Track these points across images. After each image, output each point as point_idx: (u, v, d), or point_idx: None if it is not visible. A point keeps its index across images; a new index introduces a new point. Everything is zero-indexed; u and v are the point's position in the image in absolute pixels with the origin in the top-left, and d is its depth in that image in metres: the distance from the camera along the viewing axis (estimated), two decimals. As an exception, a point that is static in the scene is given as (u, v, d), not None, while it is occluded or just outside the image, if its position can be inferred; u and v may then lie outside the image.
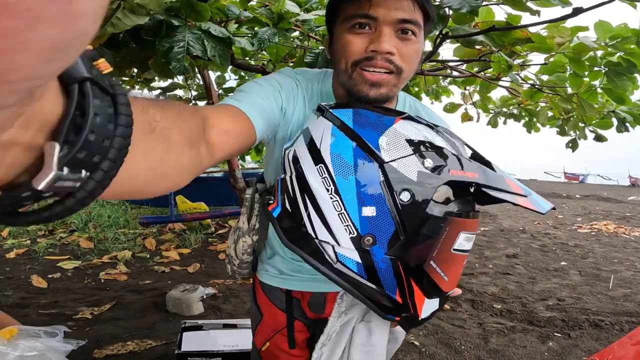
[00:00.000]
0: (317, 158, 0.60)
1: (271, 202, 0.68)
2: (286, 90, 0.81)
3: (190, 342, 1.75)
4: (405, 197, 0.57)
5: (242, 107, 0.69)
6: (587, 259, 4.51)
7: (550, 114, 3.00)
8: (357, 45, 0.72)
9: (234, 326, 1.91)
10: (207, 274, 3.51)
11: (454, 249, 0.60)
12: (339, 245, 0.60)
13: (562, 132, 3.00)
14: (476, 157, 0.64)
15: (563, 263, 4.27)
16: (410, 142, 0.59)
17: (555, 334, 2.47)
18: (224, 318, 2.55)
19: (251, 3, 1.80)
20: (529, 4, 1.35)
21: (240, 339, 1.78)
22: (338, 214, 0.58)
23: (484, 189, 0.58)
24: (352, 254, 0.60)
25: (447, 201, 0.60)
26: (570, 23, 1.81)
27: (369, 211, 0.58)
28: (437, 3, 1.33)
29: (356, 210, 0.58)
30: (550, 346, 2.30)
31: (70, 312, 2.59)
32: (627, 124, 2.52)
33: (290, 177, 0.64)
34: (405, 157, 0.57)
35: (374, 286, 0.61)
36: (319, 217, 0.60)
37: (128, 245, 4.38)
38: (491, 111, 3.36)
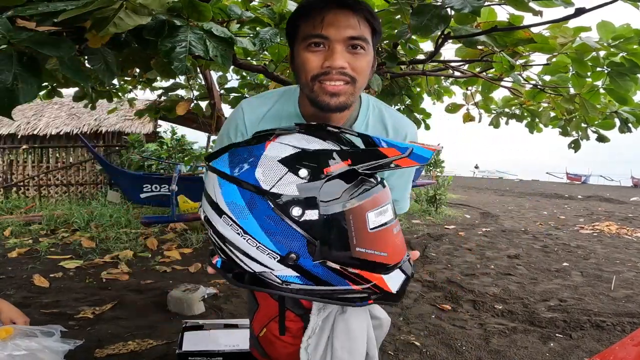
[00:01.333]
0: (219, 211, 0.67)
1: (212, 255, 0.76)
2: None
3: (191, 341, 1.75)
4: (296, 212, 0.62)
5: None
6: (589, 259, 4.49)
7: (552, 114, 3.00)
8: (314, 62, 0.80)
9: (235, 326, 1.91)
10: (209, 273, 3.51)
11: (370, 229, 0.64)
12: (273, 270, 0.66)
13: (565, 133, 3.00)
14: (362, 137, 0.68)
15: (565, 264, 4.26)
16: (283, 161, 0.64)
17: (556, 334, 2.46)
18: (225, 318, 2.55)
19: (253, 3, 1.80)
20: (531, 4, 1.35)
21: (241, 338, 1.78)
22: (256, 248, 0.64)
23: (359, 170, 0.63)
24: (288, 272, 0.65)
25: (339, 195, 0.63)
26: (572, 23, 1.81)
27: (276, 236, 0.63)
28: (438, 3, 1.33)
29: (267, 239, 0.64)
30: (552, 347, 2.30)
31: (72, 312, 2.60)
32: (630, 125, 2.52)
33: (211, 233, 0.71)
34: (281, 178, 0.62)
35: (327, 288, 0.66)
36: (245, 256, 0.66)
37: (130, 245, 4.39)
38: (493, 111, 3.36)
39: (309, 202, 0.62)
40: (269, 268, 0.66)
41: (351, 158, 0.63)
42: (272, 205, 0.62)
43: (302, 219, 0.62)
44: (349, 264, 0.65)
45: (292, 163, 0.63)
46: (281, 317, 1.06)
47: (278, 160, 0.64)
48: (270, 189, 0.62)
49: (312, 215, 0.62)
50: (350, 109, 0.90)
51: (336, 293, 0.66)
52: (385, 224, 0.67)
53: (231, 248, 0.68)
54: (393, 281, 0.69)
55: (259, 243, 0.64)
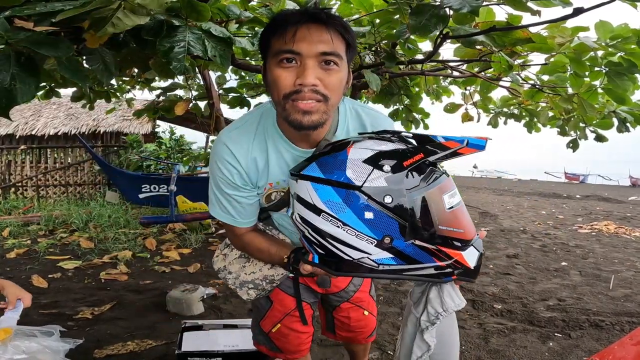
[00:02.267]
0: (317, 211, 0.78)
1: (306, 255, 0.86)
2: (241, 181, 0.97)
3: (191, 342, 1.75)
4: (388, 200, 0.74)
5: (248, 223, 1.05)
6: (587, 259, 4.50)
7: (550, 114, 3.00)
8: (285, 79, 0.79)
9: (234, 326, 1.91)
10: (208, 274, 3.51)
11: (447, 209, 0.77)
12: (371, 255, 0.77)
13: (563, 132, 3.00)
14: (416, 137, 0.79)
15: (563, 263, 4.27)
16: (366, 161, 0.76)
17: (555, 334, 2.47)
18: (225, 318, 2.55)
19: (252, 3, 1.80)
20: (530, 4, 1.35)
21: (241, 339, 1.77)
22: (355, 236, 0.76)
23: (431, 160, 0.75)
24: (384, 254, 0.77)
25: (418, 183, 0.75)
26: (570, 23, 1.81)
27: (373, 223, 0.75)
28: (437, 3, 1.33)
29: (365, 227, 0.75)
30: (551, 346, 2.30)
31: (71, 312, 2.59)
32: (628, 124, 2.52)
33: (309, 232, 0.81)
34: (370, 174, 0.75)
35: (416, 266, 0.78)
36: (345, 246, 0.77)
37: (128, 245, 4.38)
38: (492, 111, 3.36)
39: (397, 191, 0.74)
40: (367, 253, 0.77)
41: (423, 152, 0.75)
42: (366, 197, 0.74)
43: (393, 205, 0.74)
44: (434, 242, 0.76)
45: (375, 161, 0.75)
46: (300, 310, 1.19)
47: (362, 161, 0.76)
48: (363, 184, 0.74)
49: (400, 201, 0.74)
50: (326, 125, 0.90)
51: (425, 269, 0.78)
52: (458, 204, 0.79)
53: (331, 241, 0.78)
54: (470, 257, 0.81)
55: (358, 231, 0.75)
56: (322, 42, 0.78)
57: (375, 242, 0.75)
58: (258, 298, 1.19)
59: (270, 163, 0.96)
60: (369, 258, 0.77)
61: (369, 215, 0.74)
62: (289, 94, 0.80)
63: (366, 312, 1.34)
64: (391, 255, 0.77)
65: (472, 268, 0.81)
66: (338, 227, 0.76)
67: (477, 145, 0.73)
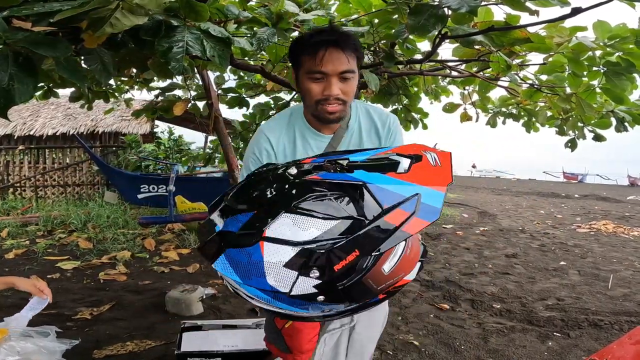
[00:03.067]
0: (245, 296, 0.72)
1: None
2: (267, 161, 1.15)
3: (190, 342, 1.75)
4: (321, 298, 0.67)
5: None
6: (586, 258, 4.51)
7: (549, 113, 3.00)
8: (315, 89, 1.07)
9: (234, 326, 1.91)
10: (207, 274, 3.50)
11: (387, 272, 0.70)
12: (316, 316, 0.76)
13: (561, 132, 3.00)
14: (348, 184, 0.67)
15: (562, 263, 4.28)
16: (288, 265, 0.64)
17: (554, 333, 2.47)
18: (224, 318, 2.54)
19: (250, 3, 1.79)
20: (528, 3, 1.35)
21: (240, 339, 1.77)
22: (295, 313, 0.73)
23: (373, 254, 0.65)
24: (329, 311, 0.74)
25: (355, 269, 0.66)
26: (569, 23, 1.81)
27: (308, 308, 0.71)
28: (435, 3, 1.34)
29: (302, 311, 0.71)
30: (550, 346, 2.31)
31: (70, 313, 2.59)
32: (626, 124, 2.52)
33: (247, 299, 0.75)
34: (295, 282, 0.65)
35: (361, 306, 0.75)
36: (287, 315, 0.75)
37: (127, 246, 4.38)
38: (490, 111, 3.36)
39: (330, 290, 0.66)
40: (311, 317, 0.74)
41: (358, 248, 0.64)
42: (297, 298, 0.67)
43: (327, 299, 0.67)
44: (375, 296, 0.73)
45: (297, 266, 0.64)
46: None
47: (283, 266, 0.65)
48: (290, 292, 0.66)
49: (335, 293, 0.67)
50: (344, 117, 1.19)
51: (367, 305, 0.76)
52: (400, 257, 0.72)
53: (271, 310, 0.73)
54: (411, 274, 0.79)
55: (296, 313, 0.72)
56: (342, 63, 1.04)
57: (317, 313, 0.73)
58: None
59: (297, 147, 1.20)
60: (314, 316, 0.75)
61: (303, 306, 0.69)
62: (319, 100, 1.07)
63: None
64: (335, 310, 0.74)
65: (412, 280, 0.79)
66: (274, 310, 0.72)
67: (430, 209, 0.64)
